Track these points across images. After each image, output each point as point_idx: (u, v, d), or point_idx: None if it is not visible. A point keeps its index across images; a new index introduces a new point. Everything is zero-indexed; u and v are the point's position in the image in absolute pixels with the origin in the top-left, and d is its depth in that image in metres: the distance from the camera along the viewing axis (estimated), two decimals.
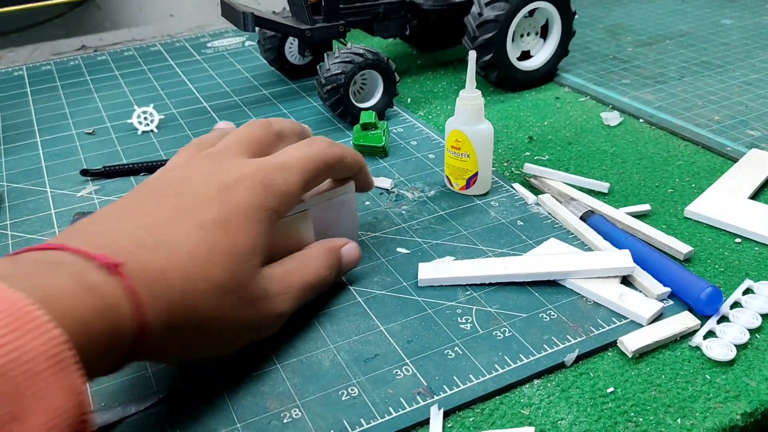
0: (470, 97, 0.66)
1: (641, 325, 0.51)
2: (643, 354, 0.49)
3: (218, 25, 1.32)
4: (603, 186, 0.69)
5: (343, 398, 0.46)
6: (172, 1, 1.29)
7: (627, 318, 0.52)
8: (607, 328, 0.51)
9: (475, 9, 0.89)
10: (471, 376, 0.48)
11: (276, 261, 0.50)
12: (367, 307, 0.55)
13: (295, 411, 0.46)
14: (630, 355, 0.49)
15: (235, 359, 0.50)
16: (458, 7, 0.95)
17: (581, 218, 0.63)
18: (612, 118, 0.84)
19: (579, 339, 0.50)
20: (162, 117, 0.89)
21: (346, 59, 0.82)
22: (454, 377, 0.48)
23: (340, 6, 0.89)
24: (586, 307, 0.54)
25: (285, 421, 0.45)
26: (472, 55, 0.65)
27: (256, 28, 0.84)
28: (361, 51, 0.82)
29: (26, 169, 0.80)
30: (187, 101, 0.97)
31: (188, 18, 1.31)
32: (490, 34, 0.88)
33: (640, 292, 0.54)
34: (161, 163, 0.77)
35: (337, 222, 0.58)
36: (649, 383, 0.47)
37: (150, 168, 0.77)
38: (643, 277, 0.55)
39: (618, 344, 0.50)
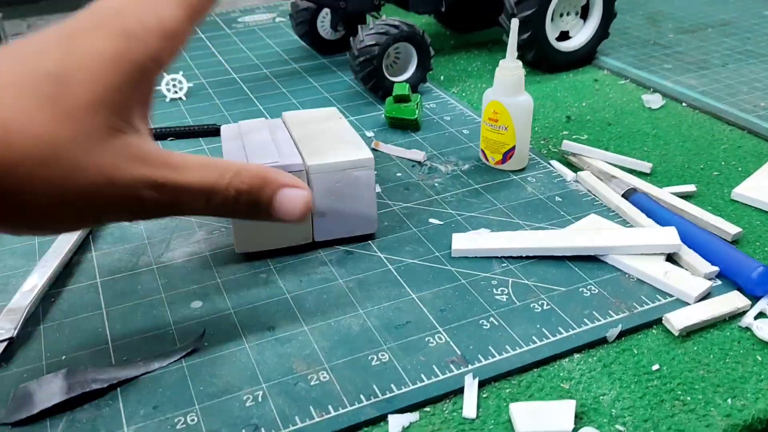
0: (511, 67, 0.63)
1: (687, 304, 0.49)
2: (689, 333, 0.47)
3: (249, 1, 1.30)
4: (645, 166, 0.67)
5: (373, 363, 0.44)
6: None
7: (672, 296, 0.49)
8: (652, 305, 0.49)
9: None
10: (507, 347, 0.45)
11: None
12: (398, 275, 0.53)
13: (323, 374, 0.44)
14: (676, 333, 0.46)
15: (258, 319, 0.48)
16: None
17: (623, 196, 0.61)
18: (654, 100, 0.81)
19: (622, 315, 0.48)
20: (191, 86, 0.88)
21: (381, 31, 0.79)
22: (490, 347, 0.45)
23: None
24: (629, 283, 0.51)
25: (312, 383, 0.43)
26: (515, 23, 0.63)
27: (289, 2, 0.82)
28: (396, 23, 0.80)
29: None
30: (217, 72, 0.95)
31: None
32: (528, 12, 0.85)
33: (687, 270, 0.51)
34: (189, 128, 0.75)
35: (352, 199, 0.55)
36: (697, 362, 0.44)
37: (177, 133, 0.75)
38: (689, 255, 0.52)
39: (663, 321, 0.47)
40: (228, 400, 0.42)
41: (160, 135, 0.75)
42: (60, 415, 0.41)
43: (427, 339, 0.46)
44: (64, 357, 0.46)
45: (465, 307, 0.49)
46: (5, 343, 0.46)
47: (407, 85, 0.76)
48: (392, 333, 0.47)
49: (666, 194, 0.61)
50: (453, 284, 0.52)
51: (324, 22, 0.97)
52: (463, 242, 0.55)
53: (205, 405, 0.42)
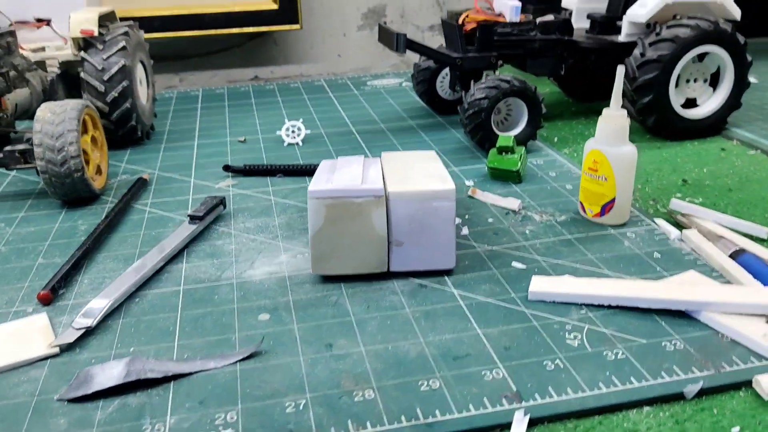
0: (614, 115, 0.61)
1: None
2: None
3: (381, 68, 1.37)
4: (762, 230, 0.61)
5: (422, 388, 0.43)
6: (340, 42, 1.36)
7: None
8: (743, 366, 0.43)
9: (637, 50, 0.85)
10: (569, 389, 0.42)
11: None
12: (467, 310, 0.51)
13: (368, 392, 0.42)
14: (766, 397, 0.41)
15: (319, 336, 0.48)
16: (619, 48, 0.90)
17: (730, 256, 0.56)
18: None
19: (706, 373, 0.43)
20: (308, 132, 0.92)
21: (492, 85, 0.80)
22: (549, 388, 0.42)
23: (494, 38, 0.88)
24: (721, 343, 0.46)
25: (356, 399, 0.42)
26: (620, 69, 0.61)
27: (412, 64, 0.85)
28: (508, 78, 0.81)
29: (178, 163, 0.85)
30: (335, 123, 0.99)
31: (354, 59, 1.37)
32: (650, 75, 0.83)
33: None
34: (297, 166, 0.79)
35: (430, 230, 0.54)
36: None
37: (286, 170, 0.79)
38: None
39: (753, 384, 0.42)
40: (270, 404, 0.42)
41: (273, 171, 0.79)
42: (113, 397, 0.43)
43: (483, 372, 0.44)
44: (132, 349, 0.48)
45: (531, 348, 0.46)
46: (81, 332, 0.49)
47: (512, 138, 0.75)
48: (448, 363, 0.45)
49: None
50: (523, 324, 0.49)
51: (443, 82, 1.00)
52: (541, 285, 0.52)
53: (248, 406, 0.42)
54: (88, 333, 0.49)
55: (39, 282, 0.57)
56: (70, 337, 0.48)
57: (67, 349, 0.48)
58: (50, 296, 0.54)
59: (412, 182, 0.55)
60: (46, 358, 0.47)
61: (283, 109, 1.09)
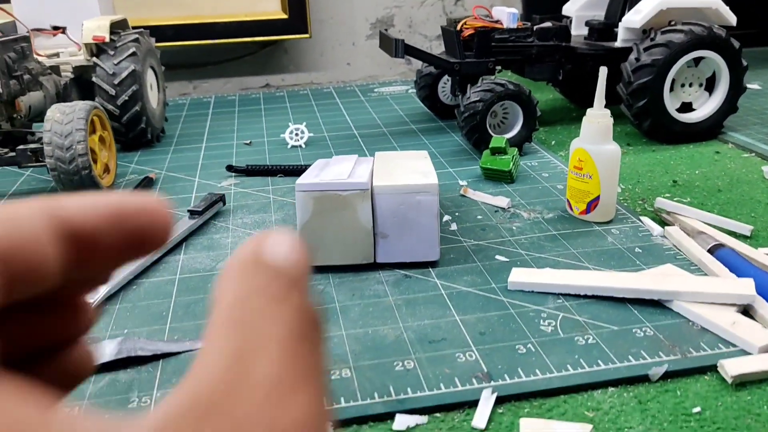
0: (598, 114, 0.63)
1: (750, 354, 0.44)
2: (745, 383, 0.42)
3: (389, 75, 1.39)
4: (745, 228, 0.62)
5: (397, 368, 0.44)
6: (350, 51, 1.39)
7: (736, 346, 0.45)
8: (710, 352, 0.45)
9: (633, 55, 0.86)
10: (537, 370, 0.44)
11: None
12: (448, 299, 0.53)
13: (345, 371, 0.44)
14: (730, 380, 0.42)
15: None
16: (616, 53, 0.92)
17: (709, 251, 0.57)
18: None
19: (673, 357, 0.44)
20: (311, 135, 0.95)
21: (487, 88, 0.82)
22: (519, 369, 0.44)
23: (492, 44, 0.90)
24: (691, 330, 0.47)
25: (333, 377, 0.44)
26: (603, 70, 0.63)
27: (414, 69, 0.87)
28: (502, 82, 0.83)
29: (184, 164, 0.88)
30: (339, 128, 1.02)
31: (362, 67, 1.40)
32: (645, 79, 0.84)
33: (759, 323, 0.47)
34: (297, 166, 0.81)
35: (414, 223, 0.56)
36: (746, 411, 0.40)
37: (286, 170, 0.81)
38: (765, 309, 0.48)
39: (718, 368, 0.43)
40: None
41: (274, 171, 0.82)
42: (105, 373, 0.45)
43: (457, 355, 0.46)
44: (126, 331, 0.50)
45: (505, 333, 0.48)
46: None
47: (504, 139, 0.77)
48: (424, 346, 0.47)
49: (760, 254, 0.56)
50: (501, 312, 0.51)
51: (445, 87, 1.02)
52: (521, 276, 0.54)
53: None
54: None
55: None
56: None
57: None
58: None
59: (397, 177, 0.57)
60: None
61: (291, 115, 1.12)
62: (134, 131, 0.93)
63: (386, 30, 0.95)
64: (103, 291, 0.54)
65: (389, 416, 0.41)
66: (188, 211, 0.68)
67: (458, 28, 0.89)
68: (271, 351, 0.17)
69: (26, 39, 0.81)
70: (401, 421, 0.40)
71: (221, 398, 0.15)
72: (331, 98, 1.23)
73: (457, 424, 0.40)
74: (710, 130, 0.89)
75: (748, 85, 1.00)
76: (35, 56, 0.85)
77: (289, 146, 0.93)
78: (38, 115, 0.84)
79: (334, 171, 0.59)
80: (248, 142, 0.97)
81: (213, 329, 0.16)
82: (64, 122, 0.71)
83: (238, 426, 0.15)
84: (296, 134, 0.94)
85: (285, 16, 1.28)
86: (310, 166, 0.81)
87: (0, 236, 0.14)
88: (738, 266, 0.54)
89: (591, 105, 1.07)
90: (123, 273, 0.57)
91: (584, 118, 0.64)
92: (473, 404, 0.41)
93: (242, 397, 0.16)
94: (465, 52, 0.90)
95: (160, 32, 1.20)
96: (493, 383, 0.43)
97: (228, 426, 0.15)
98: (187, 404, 0.14)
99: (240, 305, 0.17)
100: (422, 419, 0.40)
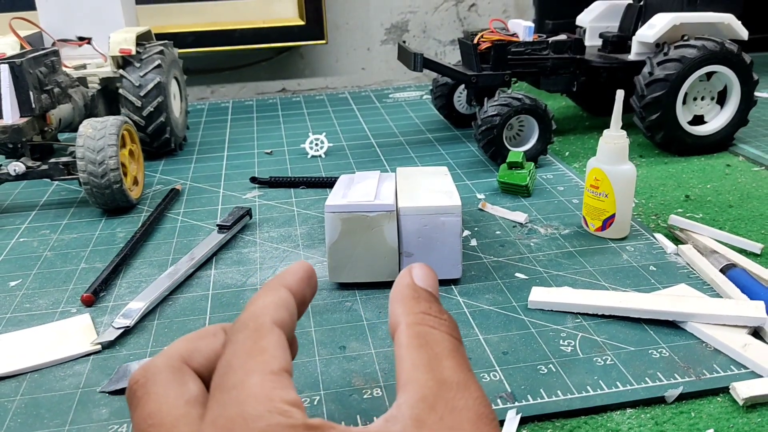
0: (614, 136, 0.65)
1: (762, 377, 0.46)
2: (756, 405, 0.44)
3: (403, 80, 1.41)
4: (756, 246, 0.64)
5: None
6: (364, 56, 1.41)
7: (748, 369, 0.47)
8: (722, 374, 0.47)
9: (646, 69, 0.88)
10: (559, 391, 0.46)
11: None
12: (471, 317, 0.55)
13: (377, 390, 0.47)
14: (741, 402, 0.44)
15: (334, 339, 0.53)
16: (630, 66, 0.94)
17: (721, 270, 0.59)
18: None
19: (687, 379, 0.47)
20: (331, 145, 0.97)
21: (504, 102, 0.84)
22: (541, 390, 0.46)
23: (509, 57, 0.92)
24: (704, 351, 0.50)
25: (365, 396, 0.46)
26: (620, 93, 0.65)
27: (432, 77, 0.89)
28: (519, 96, 0.85)
29: (208, 174, 0.91)
30: (357, 136, 1.04)
31: (377, 72, 1.42)
32: (658, 93, 0.86)
33: None
34: (319, 179, 0.84)
35: (438, 242, 0.59)
36: None
37: (308, 182, 0.84)
38: None
39: (730, 390, 0.46)
40: None
41: (297, 183, 0.84)
42: None
43: (482, 375, 0.48)
44: (166, 347, 0.53)
45: (527, 353, 0.50)
46: (121, 331, 0.54)
47: (522, 153, 0.79)
48: None
49: None
50: (522, 331, 0.53)
51: (461, 97, 1.04)
52: (540, 295, 0.57)
53: None
54: (127, 332, 0.55)
55: (82, 285, 0.63)
56: (111, 335, 0.54)
57: (108, 346, 0.53)
58: (92, 298, 0.59)
59: (422, 198, 0.59)
60: (88, 354, 0.52)
61: (309, 122, 1.14)
62: (159, 141, 0.95)
63: (405, 42, 0.97)
64: (141, 307, 0.56)
65: None
66: (217, 225, 0.70)
67: (475, 41, 0.91)
68: (450, 360, 0.27)
69: (56, 53, 0.84)
70: None
71: (436, 398, 0.26)
72: (347, 104, 1.25)
73: None
74: (721, 142, 0.91)
75: (758, 94, 1.02)
76: (63, 69, 0.87)
77: (309, 156, 0.96)
78: (67, 126, 0.87)
79: (360, 191, 0.61)
80: (269, 151, 0.99)
81: (405, 341, 0.28)
82: (96, 138, 0.74)
83: (458, 413, 0.25)
84: (316, 144, 0.97)
85: (302, 23, 1.30)
86: (332, 178, 0.83)
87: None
88: (749, 287, 0.56)
89: (603, 113, 1.10)
90: (159, 289, 0.59)
91: (601, 139, 0.66)
92: (499, 424, 0.44)
93: (449, 396, 0.25)
94: (482, 65, 0.92)
95: (180, 39, 1.22)
96: (517, 404, 0.45)
97: (450, 415, 0.25)
98: (420, 400, 0.26)
99: (419, 322, 0.29)
100: None
